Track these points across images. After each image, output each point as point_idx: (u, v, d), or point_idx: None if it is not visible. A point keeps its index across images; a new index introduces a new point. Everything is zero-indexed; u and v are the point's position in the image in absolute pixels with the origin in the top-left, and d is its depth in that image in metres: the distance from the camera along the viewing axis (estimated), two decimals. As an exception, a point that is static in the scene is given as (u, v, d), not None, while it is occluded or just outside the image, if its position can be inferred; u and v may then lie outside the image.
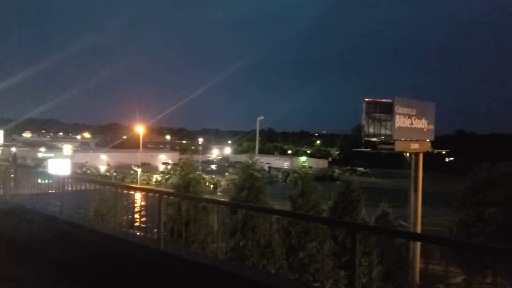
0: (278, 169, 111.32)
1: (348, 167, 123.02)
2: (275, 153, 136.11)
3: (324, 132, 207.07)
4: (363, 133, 27.61)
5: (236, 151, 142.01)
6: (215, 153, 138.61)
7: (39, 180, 13.21)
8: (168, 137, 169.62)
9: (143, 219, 9.36)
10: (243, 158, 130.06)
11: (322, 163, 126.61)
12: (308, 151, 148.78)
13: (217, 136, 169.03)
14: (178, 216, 13.39)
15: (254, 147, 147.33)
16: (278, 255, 14.87)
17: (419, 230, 27.57)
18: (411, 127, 27.48)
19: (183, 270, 5.66)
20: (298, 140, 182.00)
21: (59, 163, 55.63)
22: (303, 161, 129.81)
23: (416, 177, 28.59)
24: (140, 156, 75.97)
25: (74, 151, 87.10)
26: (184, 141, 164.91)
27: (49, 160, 54.23)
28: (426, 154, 29.45)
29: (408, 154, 29.60)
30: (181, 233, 13.33)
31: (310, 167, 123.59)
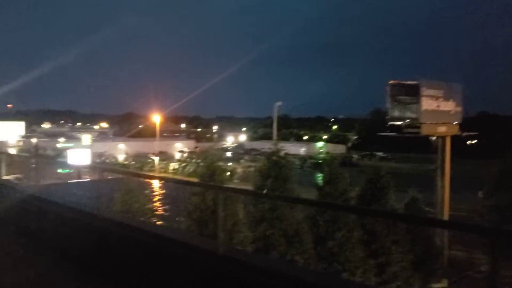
0: (294, 155, 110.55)
1: (367, 152, 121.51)
2: (291, 139, 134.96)
3: (340, 117, 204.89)
4: (387, 117, 26.71)
5: (251, 138, 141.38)
6: (230, 140, 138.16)
7: (60, 170, 12.79)
8: (183, 125, 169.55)
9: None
10: (258, 145, 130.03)
11: (340, 149, 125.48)
12: (325, 137, 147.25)
13: (231, 124, 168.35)
14: (204, 205, 12.94)
15: (270, 134, 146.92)
16: (306, 245, 14.32)
17: (446, 217, 26.75)
18: (438, 110, 26.52)
19: (254, 278, 4.74)
20: (314, 125, 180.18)
21: (79, 153, 55.86)
22: (320, 147, 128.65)
23: (443, 161, 27.68)
24: (157, 144, 75.83)
25: (93, 140, 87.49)
26: (199, 129, 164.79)
27: (68, 150, 54.37)
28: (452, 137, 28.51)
29: (435, 138, 28.68)
30: (206, 222, 12.89)
31: (327, 152, 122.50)
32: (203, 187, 10.03)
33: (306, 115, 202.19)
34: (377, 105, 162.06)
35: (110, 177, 11.94)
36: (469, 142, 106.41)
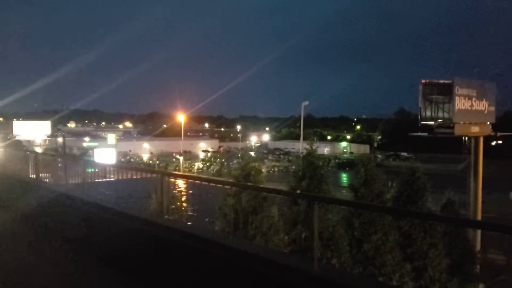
0: (318, 156, 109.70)
1: (391, 152, 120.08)
2: (314, 139, 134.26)
3: (363, 116, 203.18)
4: (420, 117, 26.13)
5: (274, 138, 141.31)
6: (253, 140, 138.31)
7: (87, 169, 12.86)
8: (206, 125, 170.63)
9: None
10: (281, 144, 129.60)
11: (364, 149, 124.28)
12: (348, 136, 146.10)
13: (255, 123, 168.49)
14: (240, 207, 12.81)
15: (292, 134, 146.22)
16: (342, 248, 14.03)
17: (479, 218, 26.08)
18: (471, 109, 25.84)
19: None
20: (338, 125, 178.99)
21: (105, 152, 56.58)
22: (344, 147, 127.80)
23: (476, 162, 26.98)
24: (182, 144, 76.35)
25: (117, 140, 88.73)
26: (222, 129, 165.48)
27: (95, 150, 55.12)
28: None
29: (467, 138, 27.98)
30: (244, 224, 12.74)
31: (351, 152, 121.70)
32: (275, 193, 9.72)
33: (330, 115, 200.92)
34: (402, 105, 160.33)
35: (135, 177, 11.85)
36: (493, 142, 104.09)
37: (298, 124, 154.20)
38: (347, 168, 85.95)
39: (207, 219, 13.57)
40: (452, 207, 18.92)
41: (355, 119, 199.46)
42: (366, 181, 15.67)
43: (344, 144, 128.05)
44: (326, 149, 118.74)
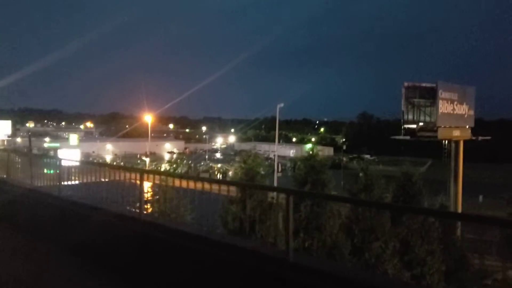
0: (283, 157, 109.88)
1: (354, 155, 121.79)
2: (280, 141, 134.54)
3: (325, 119, 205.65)
4: (402, 120, 25.97)
5: (240, 140, 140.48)
6: (219, 141, 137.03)
7: (46, 171, 12.11)
8: (171, 125, 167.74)
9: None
10: (248, 146, 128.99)
11: (328, 151, 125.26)
12: (313, 139, 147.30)
13: (220, 125, 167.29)
14: (244, 215, 11.91)
15: (259, 135, 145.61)
16: (345, 257, 13.39)
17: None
18: (453, 113, 25.93)
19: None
20: (301, 127, 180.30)
21: (68, 153, 54.27)
22: (309, 149, 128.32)
23: (456, 166, 27.09)
24: (148, 145, 74.36)
25: (80, 140, 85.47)
26: (187, 130, 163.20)
27: (58, 150, 52.71)
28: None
29: (446, 142, 28.10)
30: (249, 234, 11.86)
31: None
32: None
33: (293, 117, 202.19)
34: (362, 108, 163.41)
35: (104, 180, 11.04)
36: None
37: (263, 126, 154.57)
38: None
39: (205, 228, 12.64)
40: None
41: (317, 122, 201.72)
42: (367, 186, 15.12)
43: (309, 146, 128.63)
44: (292, 151, 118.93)
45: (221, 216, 11.77)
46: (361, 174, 15.05)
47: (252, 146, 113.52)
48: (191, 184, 8.22)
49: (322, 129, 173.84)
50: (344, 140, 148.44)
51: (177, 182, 8.48)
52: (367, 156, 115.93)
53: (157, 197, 9.95)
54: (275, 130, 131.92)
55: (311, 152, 14.11)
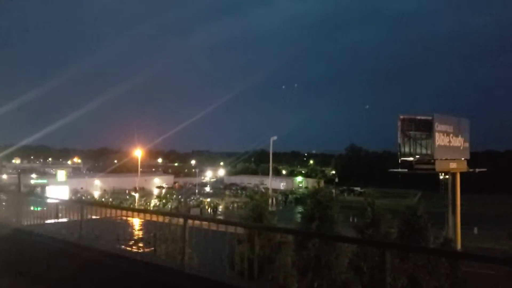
0: (275, 190, 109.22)
1: (345, 187, 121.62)
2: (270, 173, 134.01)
3: (313, 151, 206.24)
4: (399, 153, 25.91)
5: (230, 173, 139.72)
6: (208, 175, 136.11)
7: (33, 208, 11.84)
8: (160, 160, 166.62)
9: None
10: (237, 179, 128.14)
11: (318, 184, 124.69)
12: (303, 171, 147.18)
13: (208, 158, 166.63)
14: (253, 255, 11.44)
15: (248, 168, 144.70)
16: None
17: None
18: (450, 145, 25.98)
19: None
20: (290, 160, 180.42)
21: (57, 190, 53.24)
22: (299, 181, 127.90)
23: (454, 198, 26.96)
24: (138, 180, 73.46)
25: (67, 176, 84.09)
26: (176, 164, 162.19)
27: (46, 187, 51.70)
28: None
29: (442, 175, 28.03)
30: (259, 275, 11.37)
31: (306, 187, 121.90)
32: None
33: (282, 150, 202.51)
34: (351, 141, 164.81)
35: (95, 217, 10.73)
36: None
37: (253, 159, 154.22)
38: (305, 204, 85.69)
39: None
40: (450, 246, 18.41)
41: (306, 154, 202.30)
42: (373, 221, 14.80)
43: (299, 179, 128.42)
44: (282, 183, 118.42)
45: (228, 256, 11.30)
46: (368, 209, 14.76)
47: (241, 180, 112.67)
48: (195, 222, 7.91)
49: (311, 161, 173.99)
50: (334, 172, 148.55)
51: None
52: (357, 189, 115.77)
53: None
54: (264, 163, 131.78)
55: (317, 186, 13.80)
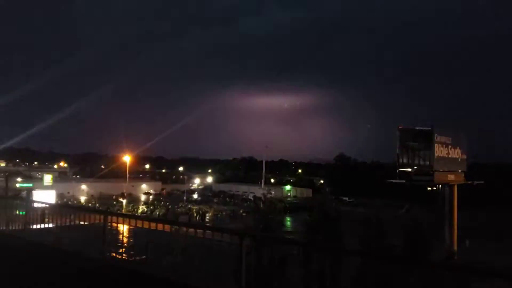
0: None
1: (333, 197, 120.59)
2: (259, 182, 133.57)
3: (301, 160, 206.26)
4: (397, 164, 25.60)
5: (218, 180, 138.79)
6: (196, 182, 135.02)
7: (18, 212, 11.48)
8: (147, 166, 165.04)
9: None
10: (226, 187, 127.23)
11: (306, 192, 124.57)
12: (291, 180, 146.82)
13: (196, 165, 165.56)
14: (259, 267, 10.92)
15: (236, 176, 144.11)
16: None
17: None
18: (448, 157, 25.76)
19: None
20: (278, 168, 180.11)
21: (43, 194, 52.01)
22: (288, 190, 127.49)
23: (451, 211, 26.70)
24: (126, 186, 72.34)
25: (54, 181, 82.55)
26: (163, 170, 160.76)
27: (33, 191, 50.50)
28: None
29: (440, 186, 27.79)
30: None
31: (294, 196, 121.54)
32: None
33: (270, 158, 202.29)
34: (341, 150, 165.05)
35: (83, 223, 10.35)
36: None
37: (241, 167, 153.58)
38: (293, 213, 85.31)
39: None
40: (454, 259, 18.12)
41: (294, 163, 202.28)
42: (378, 234, 14.42)
43: (288, 187, 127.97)
44: (271, 192, 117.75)
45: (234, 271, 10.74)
46: (373, 222, 14.39)
47: (229, 188, 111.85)
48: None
49: (300, 170, 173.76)
50: (322, 182, 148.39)
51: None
52: (346, 198, 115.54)
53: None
54: (252, 171, 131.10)
55: (304, 194, 13.35)
